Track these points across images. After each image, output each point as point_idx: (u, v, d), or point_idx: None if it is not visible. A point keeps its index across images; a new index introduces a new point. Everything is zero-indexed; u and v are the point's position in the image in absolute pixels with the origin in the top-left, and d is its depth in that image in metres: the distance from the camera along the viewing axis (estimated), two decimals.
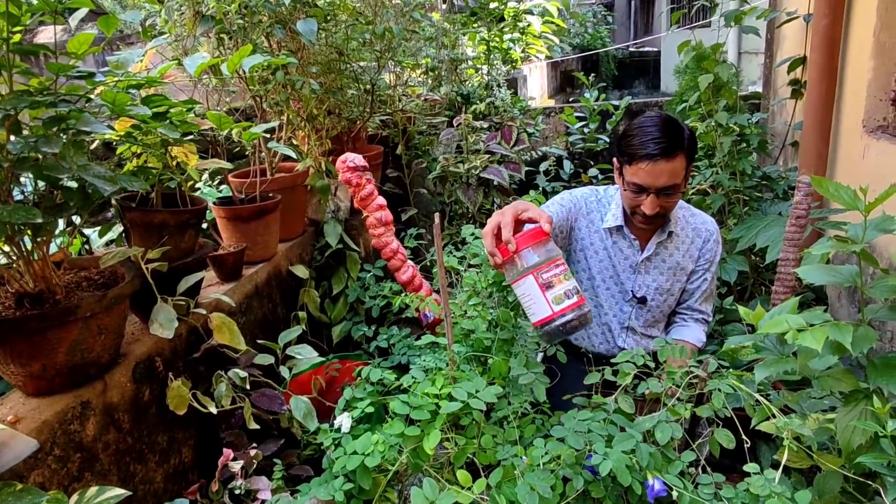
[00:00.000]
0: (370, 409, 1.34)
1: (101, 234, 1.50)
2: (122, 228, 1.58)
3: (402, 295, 1.86)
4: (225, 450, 1.41)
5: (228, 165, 1.66)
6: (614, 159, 1.55)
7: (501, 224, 1.13)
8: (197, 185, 2.39)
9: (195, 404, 1.41)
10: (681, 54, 2.34)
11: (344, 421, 1.34)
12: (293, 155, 1.59)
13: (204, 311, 1.46)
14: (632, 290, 1.61)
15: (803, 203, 1.65)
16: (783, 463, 1.08)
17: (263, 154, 2.12)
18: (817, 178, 1.07)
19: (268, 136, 1.53)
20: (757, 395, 1.09)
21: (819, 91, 2.61)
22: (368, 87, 2.34)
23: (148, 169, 1.52)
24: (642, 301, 1.60)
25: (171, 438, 1.50)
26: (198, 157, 1.65)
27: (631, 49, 11.65)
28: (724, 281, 2.12)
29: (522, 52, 5.71)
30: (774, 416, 1.16)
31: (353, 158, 1.87)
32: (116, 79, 1.17)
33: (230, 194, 2.00)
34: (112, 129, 1.40)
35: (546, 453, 0.99)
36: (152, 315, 1.33)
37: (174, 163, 1.59)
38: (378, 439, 1.23)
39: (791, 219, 1.69)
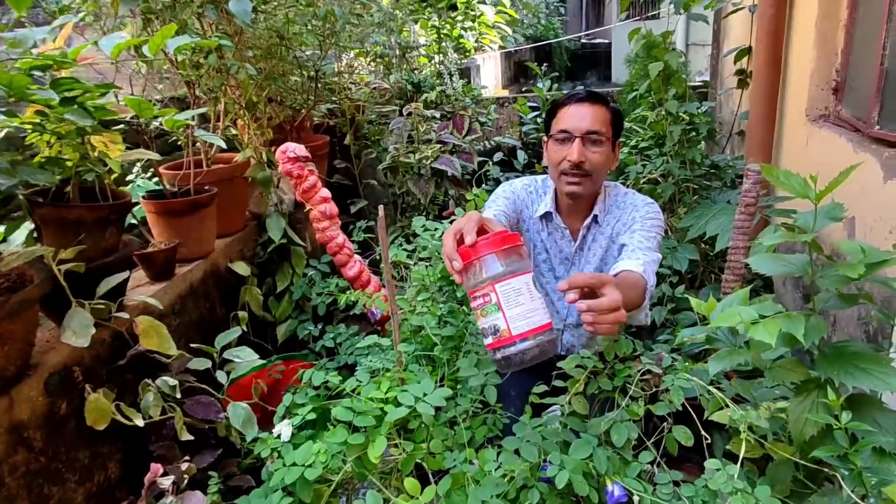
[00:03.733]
0: (312, 416, 1.26)
1: (7, 233, 1.35)
2: (33, 226, 1.43)
3: (349, 292, 1.78)
4: (153, 465, 1.29)
5: (155, 156, 1.53)
6: (543, 137, 1.54)
7: (464, 228, 1.02)
8: (129, 179, 2.23)
9: (119, 418, 1.29)
10: (631, 42, 2.32)
11: (283, 429, 1.26)
12: (221, 144, 1.48)
13: (127, 316, 1.34)
14: None
15: (752, 191, 1.65)
16: (742, 456, 1.06)
17: (199, 144, 1.99)
18: (767, 167, 1.04)
19: (193, 122, 1.41)
20: (712, 389, 1.06)
21: (764, 81, 2.64)
22: (312, 73, 2.22)
23: (61, 160, 1.38)
24: None
25: (95, 454, 1.38)
26: (124, 148, 1.51)
27: (583, 41, 11.76)
28: (675, 270, 2.12)
29: (476, 41, 5.64)
30: (728, 407, 1.14)
31: (294, 148, 1.77)
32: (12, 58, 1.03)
33: (163, 188, 1.86)
34: (15, 115, 1.26)
35: (499, 466, 0.93)
36: (65, 322, 1.20)
37: (95, 154, 1.45)
38: (320, 448, 1.15)
39: (740, 207, 1.69)
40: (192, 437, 1.40)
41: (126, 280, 1.46)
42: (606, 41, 10.86)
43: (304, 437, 1.31)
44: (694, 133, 2.26)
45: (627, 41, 2.32)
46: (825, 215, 1.03)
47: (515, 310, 0.93)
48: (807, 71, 2.44)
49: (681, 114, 2.18)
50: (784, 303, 2.49)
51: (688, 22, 5.60)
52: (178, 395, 1.38)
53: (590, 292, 0.99)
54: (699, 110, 2.19)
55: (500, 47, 7.13)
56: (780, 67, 2.65)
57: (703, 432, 1.04)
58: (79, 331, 1.17)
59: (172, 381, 1.37)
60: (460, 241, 1.02)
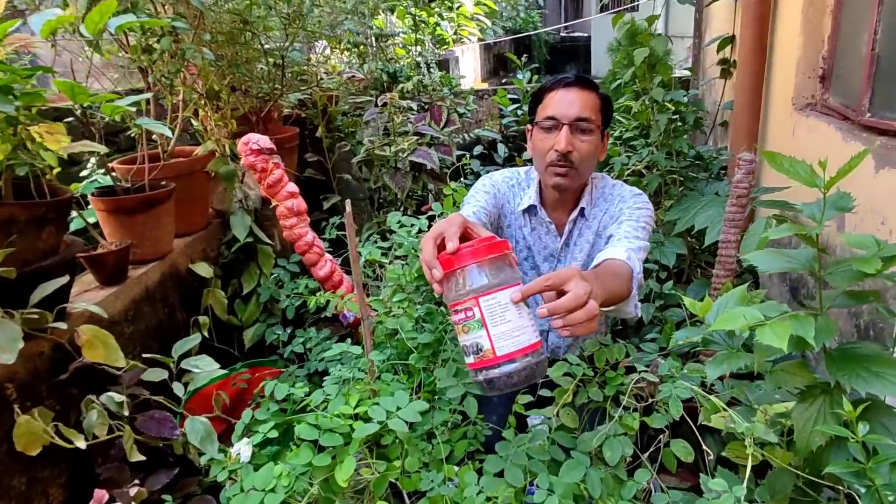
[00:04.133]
0: (274, 434, 1.14)
1: None
2: None
3: (319, 293, 1.65)
4: (96, 491, 1.17)
5: (102, 148, 1.38)
6: (527, 126, 1.44)
7: (446, 233, 0.89)
8: (83, 175, 2.07)
9: (57, 440, 1.15)
10: (615, 28, 2.22)
11: (243, 449, 1.13)
12: (168, 133, 1.34)
13: (65, 326, 1.20)
14: None
15: (744, 182, 1.57)
16: (748, 472, 0.97)
17: (155, 137, 1.84)
18: (770, 153, 0.95)
19: (133, 110, 1.27)
20: (713, 399, 0.97)
21: (749, 69, 2.58)
22: (278, 60, 2.08)
23: None
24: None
25: (33, 479, 1.24)
26: (69, 140, 1.37)
27: (562, 35, 11.72)
28: (662, 265, 2.04)
29: (454, 33, 5.52)
30: (729, 416, 1.06)
31: (257, 140, 1.63)
32: None
33: (114, 184, 1.71)
34: None
35: (480, 491, 0.82)
36: None
37: (37, 146, 1.30)
38: (282, 471, 1.03)
39: (731, 199, 1.60)
40: (143, 458, 1.27)
41: (68, 285, 1.32)
42: (585, 35, 10.83)
43: (266, 457, 1.19)
44: (680, 122, 2.17)
45: (612, 26, 2.22)
46: (832, 206, 0.94)
47: (501, 327, 0.81)
48: (793, 58, 2.37)
49: (666, 102, 2.09)
50: (770, 297, 2.43)
51: (667, 13, 5.55)
52: (126, 413, 1.25)
53: (557, 295, 0.87)
54: (686, 97, 2.11)
55: (480, 39, 7.03)
56: (766, 55, 2.59)
57: (703, 446, 0.95)
58: (4, 345, 1.04)
59: (119, 397, 1.24)
60: (441, 247, 0.89)
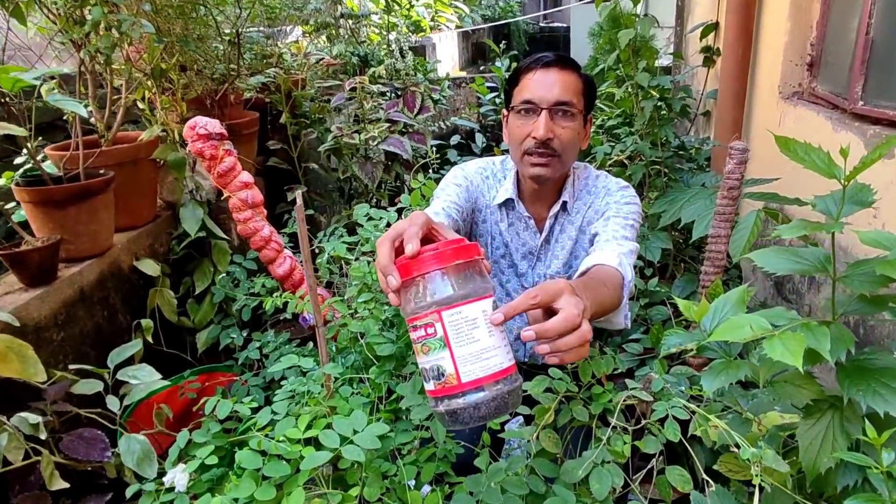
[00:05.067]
0: (213, 460, 0.99)
1: None
2: None
3: (277, 294, 1.51)
4: None
5: (20, 131, 1.21)
6: (503, 111, 1.31)
7: (405, 233, 0.73)
8: (17, 162, 1.88)
9: None
10: (597, 9, 2.09)
11: (178, 476, 0.99)
12: (82, 112, 1.17)
13: None
14: (533, 284, 1.34)
15: (735, 172, 1.46)
16: (756, 499, 0.86)
17: (94, 120, 1.66)
18: (782, 138, 0.83)
19: (40, 84, 1.10)
20: (715, 420, 0.85)
21: (735, 56, 2.48)
22: (234, 38, 1.91)
23: None
24: None
25: None
26: None
27: (542, 24, 11.61)
28: (647, 261, 1.93)
29: (431, 19, 5.35)
30: (731, 439, 0.95)
31: (205, 124, 1.47)
32: None
33: (56, 173, 1.53)
34: None
35: None
36: None
37: None
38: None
39: (722, 191, 1.49)
40: (66, 485, 1.11)
41: None
42: (565, 25, 10.72)
43: (205, 484, 1.04)
44: (666, 110, 2.06)
45: (595, 7, 2.09)
46: (851, 199, 0.83)
47: (467, 348, 0.67)
48: (780, 45, 2.28)
49: (651, 89, 1.97)
50: (755, 293, 2.35)
51: (647, 6, 5.46)
52: (44, 435, 1.09)
53: (544, 313, 0.74)
54: (673, 82, 1.99)
55: (458, 27, 6.86)
56: (752, 42, 2.49)
57: (695, 460, 0.83)
58: None
59: (34, 418, 1.08)
60: (400, 250, 0.73)
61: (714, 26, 2.89)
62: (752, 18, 2.46)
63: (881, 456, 0.73)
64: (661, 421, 0.86)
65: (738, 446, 0.88)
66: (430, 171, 2.69)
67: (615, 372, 0.92)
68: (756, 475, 0.79)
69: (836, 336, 0.82)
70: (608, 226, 1.20)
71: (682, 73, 3.45)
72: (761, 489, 0.88)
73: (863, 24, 1.75)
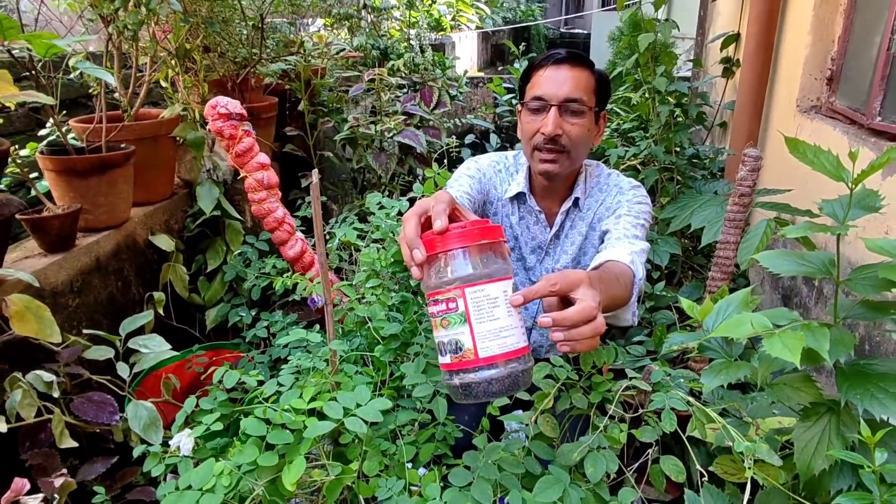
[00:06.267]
0: (219, 426, 1.02)
1: None
2: None
3: (287, 274, 1.53)
4: (16, 480, 1.04)
5: (48, 100, 1.24)
6: (517, 105, 1.32)
7: (433, 210, 0.76)
8: (42, 133, 1.92)
9: None
10: (619, 12, 2.10)
11: (183, 441, 1.01)
12: (111, 80, 1.20)
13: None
14: (539, 278, 1.36)
15: (748, 179, 1.46)
16: (746, 494, 0.87)
17: (118, 95, 1.70)
18: (792, 140, 0.85)
19: (68, 49, 1.13)
20: (711, 413, 0.86)
21: (754, 67, 2.48)
22: (258, 23, 1.94)
23: None
24: None
25: None
26: (16, 89, 1.23)
27: (562, 30, 11.60)
28: (655, 265, 1.94)
29: (452, 18, 5.36)
30: (717, 424, 0.96)
31: (226, 103, 1.50)
32: None
33: (78, 145, 1.56)
34: None
35: None
36: None
37: None
38: (223, 469, 0.91)
39: (733, 197, 1.50)
40: (75, 444, 1.15)
41: None
42: (585, 31, 10.70)
43: (210, 451, 1.07)
44: (682, 116, 2.06)
45: (617, 11, 2.10)
46: (858, 204, 0.84)
47: (487, 325, 0.70)
48: (800, 59, 2.28)
49: (668, 94, 1.98)
50: (762, 305, 2.35)
51: (669, 11, 5.45)
52: (56, 393, 1.12)
53: (560, 301, 0.76)
54: (691, 87, 2.00)
55: (478, 27, 6.88)
56: (771, 54, 2.49)
57: (693, 458, 0.85)
58: None
59: (48, 377, 1.11)
60: (425, 226, 0.77)
61: (735, 37, 2.89)
62: (773, 31, 2.46)
63: (874, 456, 0.74)
64: (659, 413, 0.88)
65: (733, 441, 0.89)
66: (445, 162, 2.71)
67: (616, 363, 0.94)
68: (749, 468, 0.80)
69: (836, 338, 0.83)
70: (619, 224, 1.22)
71: (700, 81, 3.45)
72: (755, 485, 0.89)
73: (885, 40, 1.75)
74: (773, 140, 2.47)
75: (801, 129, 2.23)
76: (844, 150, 1.85)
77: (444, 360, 0.73)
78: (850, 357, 0.84)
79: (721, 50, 2.95)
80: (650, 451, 0.88)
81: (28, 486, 1.04)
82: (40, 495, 1.04)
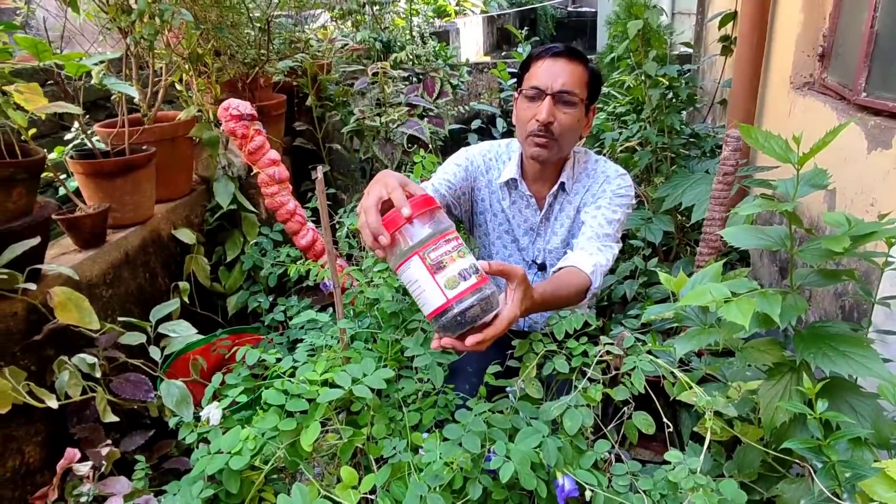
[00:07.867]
0: (242, 399, 1.14)
1: None
2: None
3: (300, 262, 1.65)
4: (68, 450, 1.18)
5: (76, 110, 1.36)
6: (515, 93, 1.41)
7: (389, 191, 0.87)
8: (68, 138, 2.05)
9: (28, 399, 1.16)
10: None
11: (212, 412, 1.14)
12: (134, 94, 1.32)
13: (34, 287, 1.20)
14: (533, 258, 1.47)
15: (731, 159, 1.54)
16: (707, 441, 0.97)
17: (138, 100, 1.82)
18: (746, 127, 0.93)
19: (96, 67, 1.25)
20: (677, 373, 0.96)
21: (749, 45, 2.52)
22: (264, 25, 2.04)
23: None
24: (542, 268, 1.46)
25: (7, 437, 1.25)
26: (46, 101, 1.35)
27: (569, 9, 11.49)
28: (648, 242, 2.03)
29: (457, 4, 5.39)
30: (691, 390, 1.06)
31: (237, 105, 1.61)
32: None
33: (103, 148, 1.69)
34: None
35: (440, 457, 0.82)
36: None
37: (5, 104, 1.29)
38: (248, 435, 1.04)
39: (718, 176, 1.58)
40: (116, 419, 1.28)
41: (41, 247, 1.31)
42: (592, 10, 10.60)
43: (236, 421, 1.19)
44: (674, 98, 2.13)
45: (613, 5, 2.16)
46: (807, 182, 0.93)
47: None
48: (792, 36, 2.32)
49: (659, 77, 2.05)
50: (760, 277, 2.42)
51: None
52: (98, 374, 1.25)
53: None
54: (681, 72, 2.06)
55: (483, 11, 6.89)
56: (766, 32, 2.53)
57: (664, 419, 0.95)
58: None
59: (91, 359, 1.24)
60: (384, 209, 0.88)
61: (732, 15, 2.92)
62: (766, 9, 2.49)
63: (816, 405, 0.84)
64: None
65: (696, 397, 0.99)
66: (430, 149, 2.79)
67: (589, 329, 1.04)
68: (709, 419, 0.90)
69: (790, 304, 0.93)
70: (597, 215, 1.32)
71: (701, 61, 3.48)
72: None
73: (868, 17, 1.80)
74: (768, 117, 2.52)
75: (794, 105, 2.28)
76: (833, 125, 1.91)
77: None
78: (805, 321, 0.94)
79: (719, 28, 2.99)
80: (626, 409, 0.98)
81: (79, 455, 1.18)
82: (89, 463, 1.18)
